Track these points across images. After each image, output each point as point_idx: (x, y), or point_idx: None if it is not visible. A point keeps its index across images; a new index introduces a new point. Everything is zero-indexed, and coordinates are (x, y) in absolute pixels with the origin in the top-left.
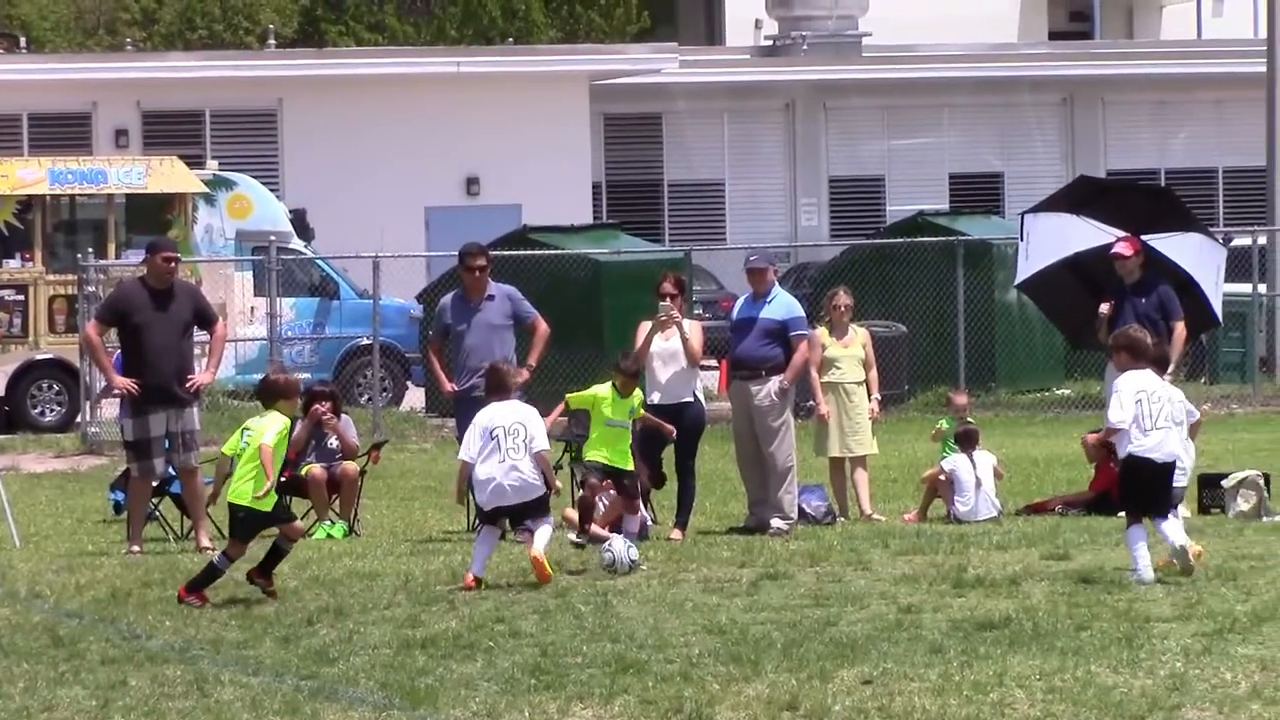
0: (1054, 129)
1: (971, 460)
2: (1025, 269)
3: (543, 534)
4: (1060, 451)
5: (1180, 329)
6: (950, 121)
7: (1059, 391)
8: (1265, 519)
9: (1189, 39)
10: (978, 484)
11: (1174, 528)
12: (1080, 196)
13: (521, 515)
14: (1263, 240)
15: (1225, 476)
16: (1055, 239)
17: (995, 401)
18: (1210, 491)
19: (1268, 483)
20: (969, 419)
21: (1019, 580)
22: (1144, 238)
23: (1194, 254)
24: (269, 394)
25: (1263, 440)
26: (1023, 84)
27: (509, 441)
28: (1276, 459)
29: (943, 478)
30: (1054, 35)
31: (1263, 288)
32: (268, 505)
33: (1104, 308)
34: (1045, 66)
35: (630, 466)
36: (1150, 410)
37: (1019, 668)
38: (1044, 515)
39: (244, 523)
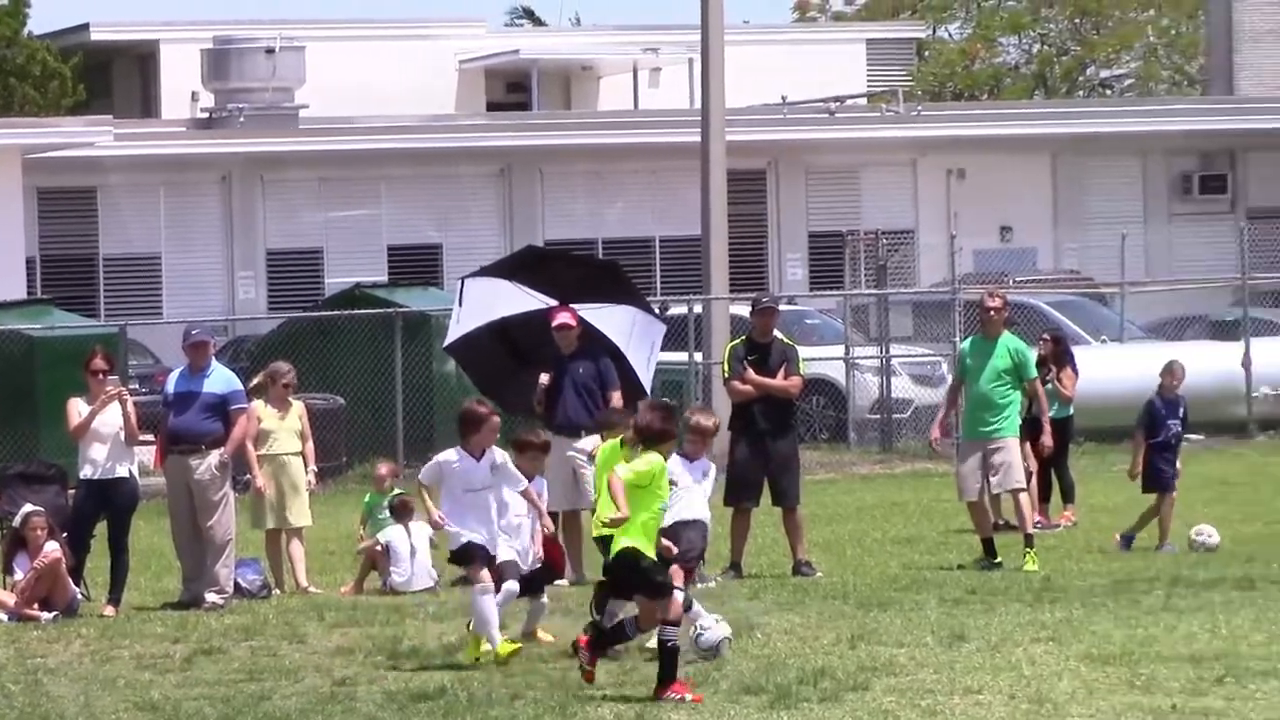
0: (491, 200)
1: (407, 530)
2: (455, 332)
3: None
4: None
5: (617, 398)
6: (389, 193)
7: None
8: (700, 585)
9: (626, 109)
10: (413, 553)
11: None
12: (520, 264)
13: None
14: (698, 309)
15: None
16: (486, 303)
17: None
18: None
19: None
20: (400, 490)
21: (455, 651)
22: (578, 308)
23: (627, 327)
24: (651, 435)
25: None
26: (460, 155)
27: None
28: (714, 524)
29: (379, 548)
30: (492, 106)
31: (699, 356)
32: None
33: (544, 378)
34: (482, 138)
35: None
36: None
37: None
38: None
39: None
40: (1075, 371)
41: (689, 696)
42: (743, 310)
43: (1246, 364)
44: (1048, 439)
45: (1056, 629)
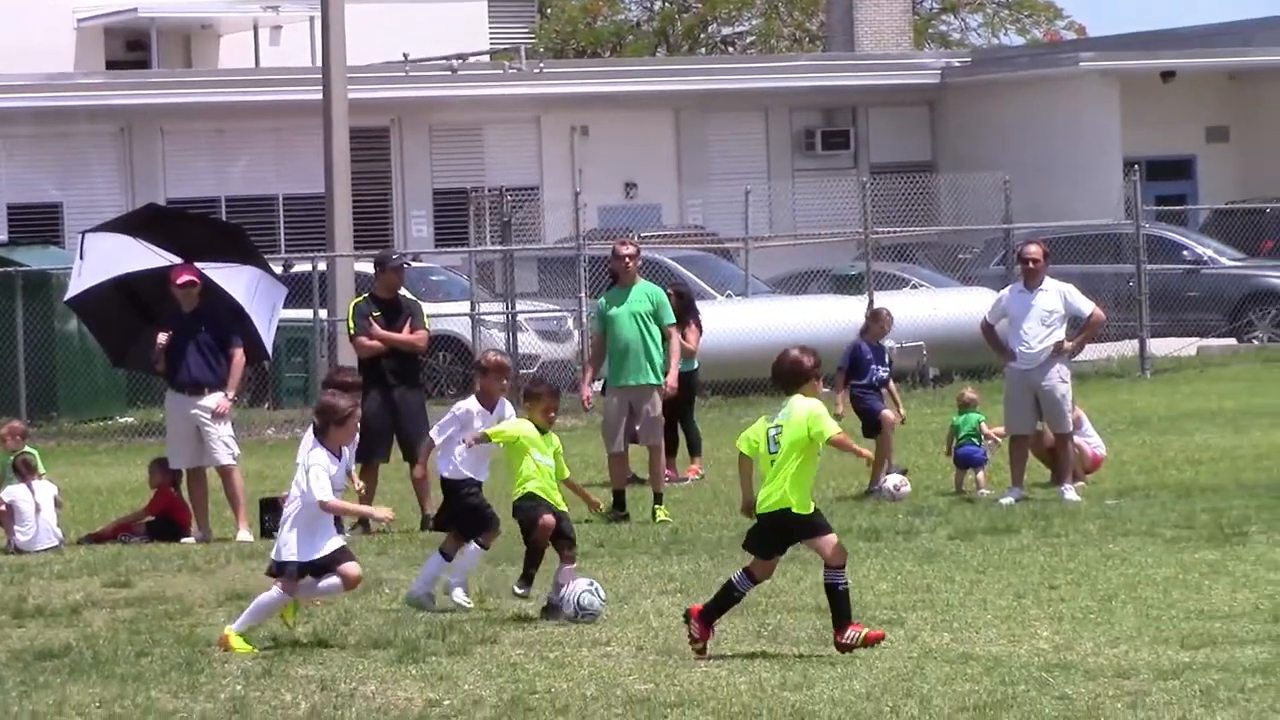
0: (112, 159)
1: (30, 489)
2: (77, 285)
3: None
4: (124, 479)
5: (239, 356)
6: (7, 152)
7: (122, 420)
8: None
9: (248, 67)
10: (38, 511)
11: None
12: (143, 220)
13: None
14: (323, 266)
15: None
16: (110, 259)
17: (58, 431)
18: (273, 515)
19: None
20: (28, 449)
21: (80, 609)
22: (201, 266)
23: (250, 288)
24: (792, 378)
25: None
26: (80, 114)
27: None
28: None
29: (3, 508)
30: (112, 64)
31: (324, 313)
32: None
33: (161, 337)
34: (101, 96)
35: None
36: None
37: (79, 696)
38: (106, 544)
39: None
40: (700, 327)
41: (866, 632)
42: (366, 267)
43: None
44: (673, 380)
45: (684, 581)
